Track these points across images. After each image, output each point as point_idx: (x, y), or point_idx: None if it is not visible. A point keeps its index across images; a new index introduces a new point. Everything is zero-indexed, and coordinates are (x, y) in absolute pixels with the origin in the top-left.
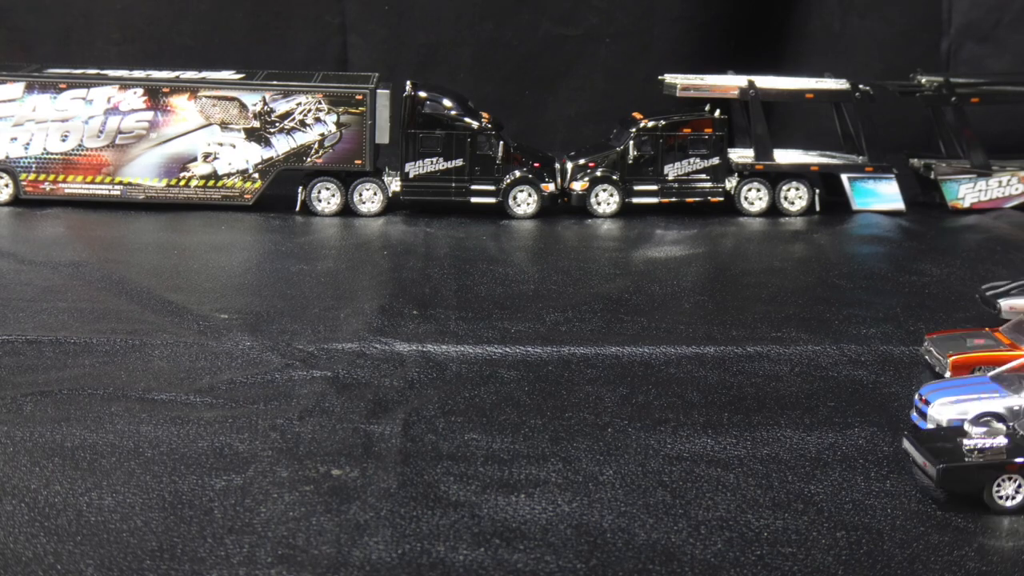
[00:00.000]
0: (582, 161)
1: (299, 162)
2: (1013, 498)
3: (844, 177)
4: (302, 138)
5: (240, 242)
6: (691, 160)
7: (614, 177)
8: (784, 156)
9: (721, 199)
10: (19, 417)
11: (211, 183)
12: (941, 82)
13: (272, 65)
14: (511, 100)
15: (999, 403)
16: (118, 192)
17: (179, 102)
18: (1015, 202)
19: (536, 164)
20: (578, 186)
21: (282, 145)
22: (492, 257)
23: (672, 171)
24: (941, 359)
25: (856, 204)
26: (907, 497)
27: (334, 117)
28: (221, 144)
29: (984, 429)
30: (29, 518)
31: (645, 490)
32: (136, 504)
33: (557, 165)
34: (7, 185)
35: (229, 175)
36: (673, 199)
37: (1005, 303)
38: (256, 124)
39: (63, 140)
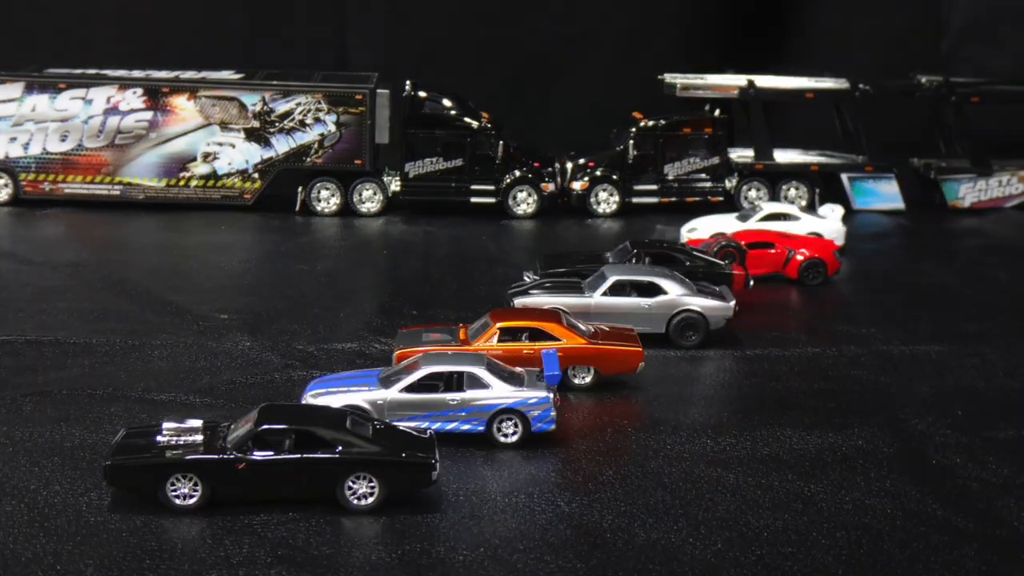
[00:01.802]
0: (582, 161)
1: (299, 162)
2: (191, 496)
3: (844, 177)
4: (302, 138)
5: (240, 242)
6: (691, 160)
7: (614, 177)
8: (784, 156)
9: (721, 198)
10: (19, 417)
11: (211, 183)
12: (941, 82)
13: (272, 65)
14: (511, 100)
15: (363, 396)
16: (118, 192)
17: (179, 102)
18: (1015, 202)
19: (536, 164)
20: (578, 186)
21: (282, 145)
22: (492, 257)
23: (672, 171)
24: (393, 352)
25: (856, 203)
26: (907, 497)
27: (334, 117)
28: (221, 144)
29: (177, 426)
30: (29, 518)
31: (645, 490)
32: (136, 504)
33: (557, 165)
34: (7, 185)
35: (229, 175)
36: (673, 199)
37: (519, 300)
38: (256, 124)
39: (63, 140)
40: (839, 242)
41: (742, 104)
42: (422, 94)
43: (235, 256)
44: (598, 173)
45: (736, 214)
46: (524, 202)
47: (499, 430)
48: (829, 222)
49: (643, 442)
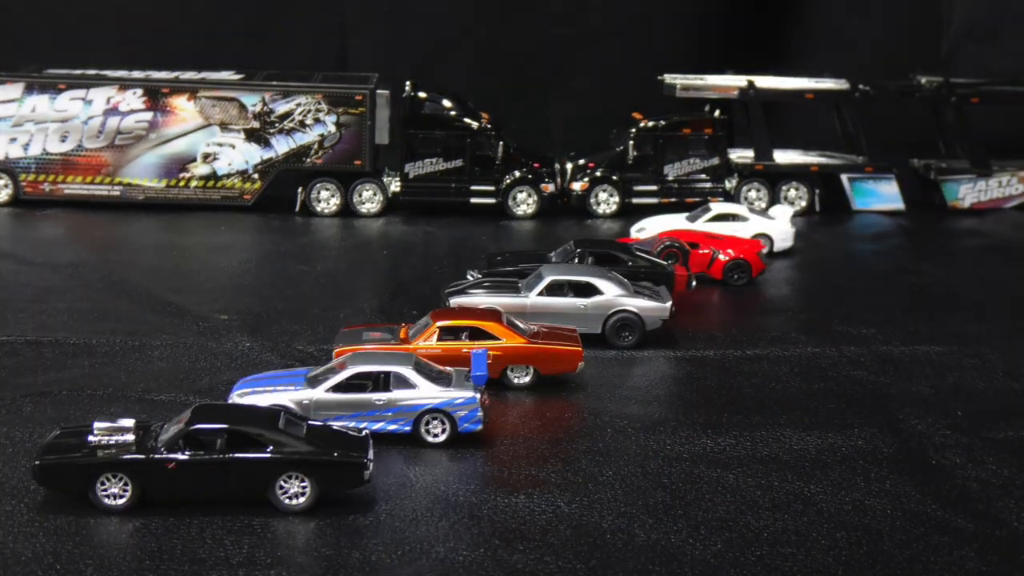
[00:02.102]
0: (582, 161)
1: (299, 163)
2: (120, 496)
3: (844, 177)
4: (302, 139)
5: (240, 243)
6: (691, 160)
7: (614, 177)
8: (784, 156)
9: (721, 199)
10: (19, 418)
11: (211, 184)
12: (941, 82)
13: (272, 65)
14: (511, 100)
15: (289, 396)
16: (118, 193)
17: (179, 103)
18: (1015, 202)
19: (536, 164)
20: (578, 186)
21: (282, 146)
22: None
23: (672, 171)
24: (333, 351)
25: (856, 204)
26: (907, 497)
27: (334, 118)
28: (221, 145)
29: (108, 426)
30: (29, 518)
31: (645, 491)
32: (136, 504)
33: (557, 165)
34: (7, 186)
35: (229, 176)
36: (673, 199)
37: (455, 300)
38: (256, 125)
39: (63, 141)
40: (787, 243)
41: (742, 105)
42: (422, 94)
43: (235, 257)
44: (598, 174)
45: (686, 214)
46: (524, 203)
47: (427, 430)
48: (778, 223)
49: (643, 443)
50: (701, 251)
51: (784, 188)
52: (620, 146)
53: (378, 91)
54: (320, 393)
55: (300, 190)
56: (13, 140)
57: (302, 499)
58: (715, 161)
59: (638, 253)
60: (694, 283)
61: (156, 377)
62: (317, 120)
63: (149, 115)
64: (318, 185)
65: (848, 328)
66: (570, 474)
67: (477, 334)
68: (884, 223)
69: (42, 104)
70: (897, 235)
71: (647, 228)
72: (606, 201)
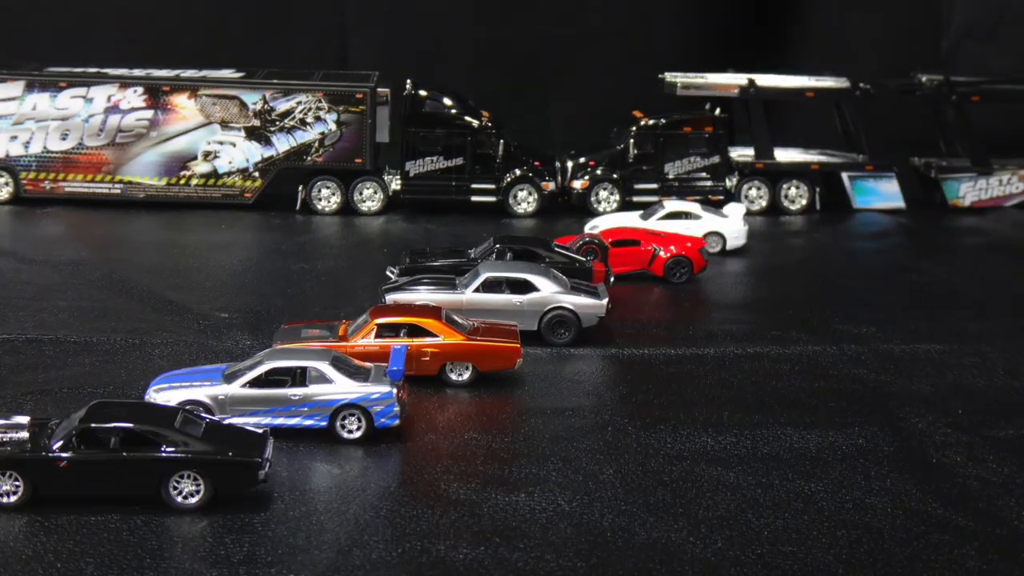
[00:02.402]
0: (582, 160)
1: (299, 161)
2: (12, 494)
3: (844, 176)
4: (302, 137)
5: (240, 241)
6: (691, 159)
7: (614, 176)
8: (784, 155)
9: (721, 198)
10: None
11: (211, 182)
12: (941, 81)
13: (272, 65)
14: (511, 100)
15: (205, 392)
16: (118, 191)
17: (179, 101)
18: (1015, 200)
19: (536, 163)
20: (578, 185)
21: (282, 144)
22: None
23: (672, 170)
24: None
25: (856, 203)
26: (907, 496)
27: (334, 116)
28: (221, 143)
29: (2, 423)
30: (29, 517)
31: (645, 489)
32: (137, 504)
33: (557, 164)
34: (7, 184)
35: (229, 174)
36: (673, 198)
37: (391, 297)
38: (256, 123)
39: (63, 139)
40: (740, 241)
41: (743, 103)
42: (423, 93)
43: (236, 255)
44: (599, 172)
45: (640, 212)
46: (524, 201)
47: (343, 426)
48: (731, 221)
49: (643, 441)
50: (643, 248)
51: (785, 186)
52: (621, 144)
53: (378, 90)
54: (235, 389)
55: (301, 188)
56: (14, 138)
57: (195, 498)
58: (716, 159)
59: (556, 250)
60: (611, 279)
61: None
62: (318, 118)
63: (150, 113)
64: (319, 183)
65: (849, 326)
66: (570, 472)
67: (415, 331)
68: (885, 221)
69: (43, 102)
70: (898, 233)
71: (600, 226)
72: (607, 199)
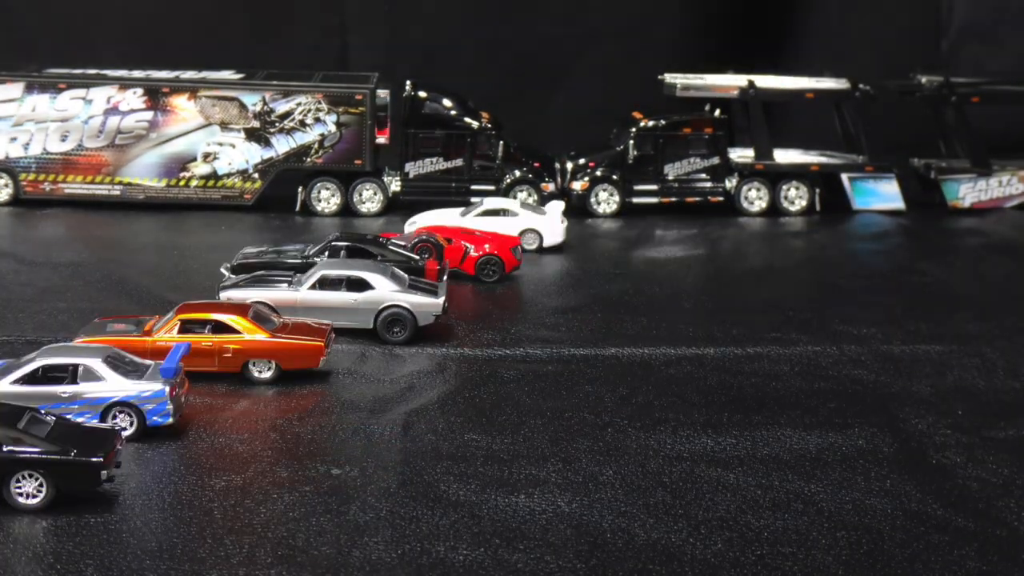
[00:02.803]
0: (582, 161)
1: (299, 162)
2: None
3: (844, 177)
4: (302, 138)
5: (240, 242)
6: (691, 160)
7: (614, 177)
8: (784, 156)
9: (721, 199)
10: None
11: (211, 183)
12: (941, 82)
13: (272, 65)
14: (511, 100)
15: None
16: (118, 192)
17: (179, 102)
18: (1015, 201)
19: (536, 164)
20: (578, 186)
21: (282, 145)
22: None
23: (672, 171)
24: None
25: (856, 204)
26: (907, 497)
27: (334, 117)
28: (221, 144)
29: None
30: (30, 518)
31: (645, 490)
32: (136, 504)
33: (557, 165)
34: (7, 185)
35: (229, 175)
36: (673, 199)
37: (224, 294)
38: (256, 124)
39: (63, 140)
40: (558, 239)
41: (742, 104)
42: (422, 94)
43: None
44: (598, 173)
45: (460, 209)
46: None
47: (115, 423)
48: (548, 219)
49: (643, 442)
50: (455, 246)
51: (784, 188)
52: (620, 146)
53: (378, 91)
54: (5, 386)
55: (300, 189)
56: (13, 139)
57: (37, 498)
58: (715, 161)
59: (391, 248)
60: (445, 277)
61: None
62: (317, 120)
63: (149, 114)
64: (318, 184)
65: (849, 327)
66: (570, 473)
67: (219, 328)
68: (884, 223)
69: (42, 103)
70: (897, 235)
71: (418, 222)
72: (606, 200)
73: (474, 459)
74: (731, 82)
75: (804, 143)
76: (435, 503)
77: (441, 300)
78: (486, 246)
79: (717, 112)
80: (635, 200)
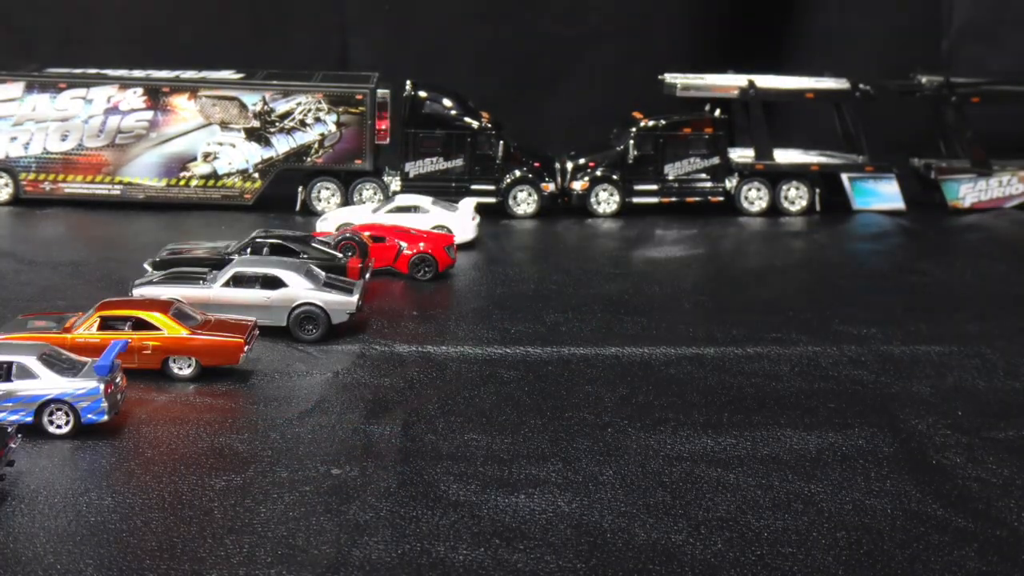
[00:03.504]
0: (582, 161)
1: (299, 162)
2: None
3: (844, 177)
4: (302, 138)
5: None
6: (691, 160)
7: (614, 177)
8: (784, 156)
9: (721, 199)
10: None
11: (211, 183)
12: (941, 82)
13: (272, 65)
14: (511, 100)
15: None
16: (118, 192)
17: (179, 102)
18: (1015, 202)
19: (536, 164)
20: (578, 186)
21: (282, 145)
22: (492, 257)
23: (672, 171)
24: None
25: (856, 204)
26: (907, 497)
27: (334, 117)
28: (221, 144)
29: None
30: (29, 518)
31: (645, 490)
32: (136, 504)
33: (557, 165)
34: (7, 185)
35: (229, 175)
36: (673, 199)
37: (138, 291)
38: (256, 124)
39: (63, 140)
40: (468, 236)
41: (742, 104)
42: (422, 94)
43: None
44: (598, 173)
45: (373, 206)
46: (524, 202)
47: (50, 421)
48: (458, 215)
49: (643, 442)
50: (388, 244)
51: (784, 188)
52: (620, 146)
53: (378, 91)
54: None
55: (300, 189)
56: (13, 139)
57: None
58: (715, 161)
59: (315, 245)
60: (367, 276)
61: (156, 376)
62: (317, 119)
63: (149, 114)
64: (319, 184)
65: (849, 327)
66: (570, 473)
67: (139, 324)
68: (884, 223)
69: (42, 103)
70: (897, 235)
71: (329, 219)
72: (606, 201)
73: (474, 459)
74: (731, 82)
75: (804, 143)
76: (435, 503)
77: (355, 298)
78: (420, 244)
79: (717, 112)
80: (635, 200)
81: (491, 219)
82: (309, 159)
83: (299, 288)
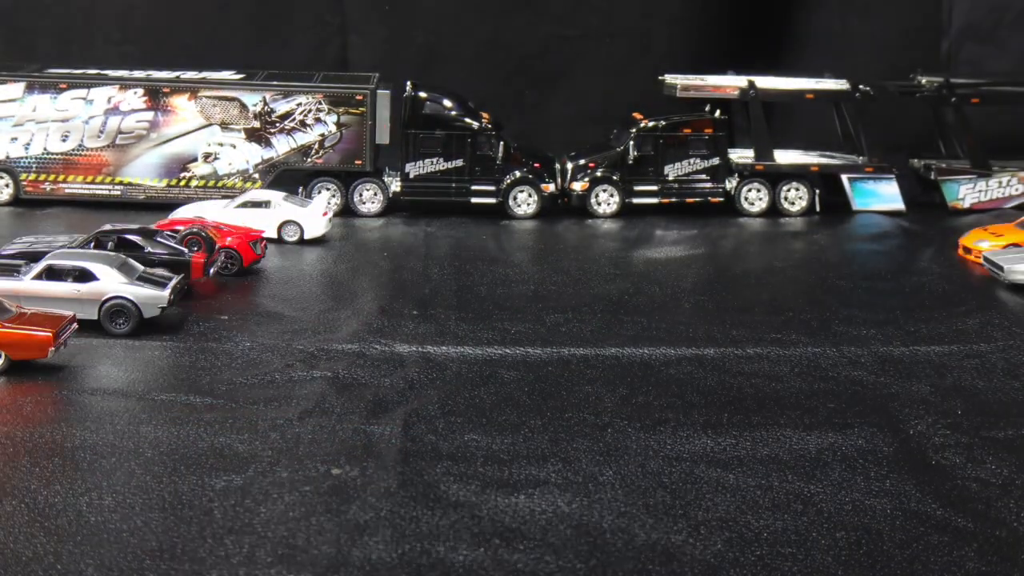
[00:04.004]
0: (582, 161)
1: (299, 162)
2: None
3: (844, 177)
4: (302, 138)
5: None
6: (691, 160)
7: (614, 177)
8: (784, 156)
9: (721, 199)
10: (19, 417)
11: (211, 183)
12: (941, 82)
13: (272, 65)
14: (511, 100)
15: None
16: (118, 192)
17: (179, 102)
18: (1015, 202)
19: (536, 164)
20: (578, 186)
21: (282, 145)
22: (492, 257)
23: (672, 171)
24: None
25: (856, 204)
26: (907, 497)
27: (334, 117)
28: (221, 144)
29: None
30: (29, 518)
31: (645, 490)
32: (136, 504)
33: (557, 165)
34: (7, 185)
35: (229, 175)
36: (673, 199)
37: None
38: (256, 124)
39: (63, 140)
40: (319, 231)
41: (742, 105)
42: (422, 94)
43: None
44: (598, 174)
45: (224, 201)
46: (525, 203)
47: None
48: (309, 211)
49: (643, 443)
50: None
51: (784, 188)
52: (620, 146)
53: (379, 91)
54: None
55: (301, 190)
56: (14, 139)
57: None
58: (715, 161)
59: (160, 240)
60: (212, 270)
61: (156, 376)
62: (318, 120)
63: (150, 115)
64: (319, 185)
65: (848, 328)
66: (570, 474)
67: None
68: (884, 223)
69: (43, 103)
70: (897, 235)
71: (180, 212)
72: (607, 201)
73: (474, 459)
74: (731, 82)
75: (804, 144)
76: (435, 503)
77: (167, 293)
78: (228, 239)
79: (717, 113)
80: (635, 200)
81: (491, 220)
82: (309, 159)
83: (110, 282)
